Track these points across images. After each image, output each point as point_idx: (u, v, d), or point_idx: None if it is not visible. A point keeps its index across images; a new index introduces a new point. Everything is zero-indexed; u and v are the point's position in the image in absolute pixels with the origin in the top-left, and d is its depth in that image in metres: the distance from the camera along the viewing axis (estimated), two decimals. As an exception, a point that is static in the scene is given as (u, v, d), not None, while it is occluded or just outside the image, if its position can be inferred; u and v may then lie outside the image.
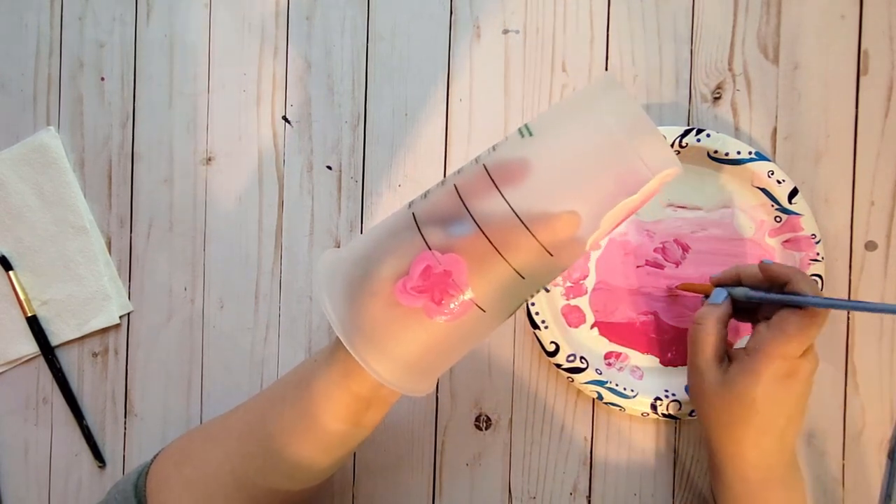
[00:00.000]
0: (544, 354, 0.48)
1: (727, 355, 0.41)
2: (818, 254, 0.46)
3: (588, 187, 0.32)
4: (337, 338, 0.36)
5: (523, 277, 0.32)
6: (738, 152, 0.47)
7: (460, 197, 0.32)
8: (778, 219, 0.47)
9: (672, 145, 0.47)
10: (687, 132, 0.47)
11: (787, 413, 0.39)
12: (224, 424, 0.42)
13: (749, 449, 0.40)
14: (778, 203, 0.47)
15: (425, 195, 0.34)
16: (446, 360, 0.35)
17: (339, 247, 0.52)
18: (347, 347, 0.32)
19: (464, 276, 0.31)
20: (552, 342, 0.47)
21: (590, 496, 0.50)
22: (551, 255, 0.32)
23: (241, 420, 0.41)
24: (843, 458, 0.48)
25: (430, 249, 0.32)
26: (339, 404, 0.36)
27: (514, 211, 0.31)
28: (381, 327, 0.32)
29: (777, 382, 0.38)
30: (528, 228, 0.31)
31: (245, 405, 0.42)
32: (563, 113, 0.33)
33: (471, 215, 0.32)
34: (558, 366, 0.48)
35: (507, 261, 0.32)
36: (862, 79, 0.48)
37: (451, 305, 0.32)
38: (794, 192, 0.46)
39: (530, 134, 0.33)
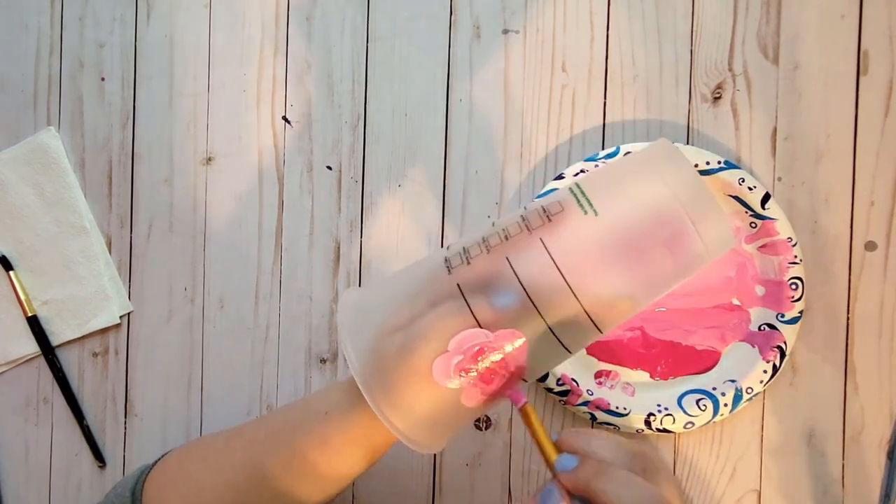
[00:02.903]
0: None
1: None
2: (796, 256, 0.46)
3: (645, 267, 0.31)
4: (353, 387, 0.35)
5: (568, 350, 0.32)
6: (707, 163, 0.46)
7: (513, 269, 0.30)
8: (753, 225, 0.47)
9: None
10: None
11: None
12: (225, 452, 0.40)
13: None
14: (751, 209, 0.47)
15: (467, 259, 0.32)
16: (468, 420, 0.34)
17: (338, 245, 0.52)
18: (380, 418, 0.31)
19: (523, 358, 0.30)
20: None
21: (589, 496, 0.50)
22: (601, 331, 0.31)
23: (243, 453, 0.39)
24: (843, 458, 0.48)
25: (485, 333, 0.30)
26: (351, 460, 0.36)
27: (570, 287, 0.30)
28: (415, 400, 0.31)
29: None
30: (584, 309, 0.30)
31: (249, 433, 0.41)
32: (623, 184, 0.32)
33: (526, 293, 0.30)
34: (549, 390, 0.48)
35: (558, 338, 0.31)
36: (862, 79, 0.48)
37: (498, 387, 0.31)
38: (766, 198, 0.46)
39: (591, 207, 0.31)
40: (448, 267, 0.32)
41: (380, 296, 0.34)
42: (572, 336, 0.31)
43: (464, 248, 0.32)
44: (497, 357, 0.30)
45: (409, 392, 0.31)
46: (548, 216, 0.31)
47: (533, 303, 0.30)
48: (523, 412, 0.31)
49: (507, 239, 0.31)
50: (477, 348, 0.30)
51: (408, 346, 0.31)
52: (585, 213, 0.31)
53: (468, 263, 0.31)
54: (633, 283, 0.31)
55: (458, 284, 0.31)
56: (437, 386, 0.31)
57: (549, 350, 0.31)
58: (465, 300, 0.31)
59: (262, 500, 0.38)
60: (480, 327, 0.30)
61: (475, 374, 0.30)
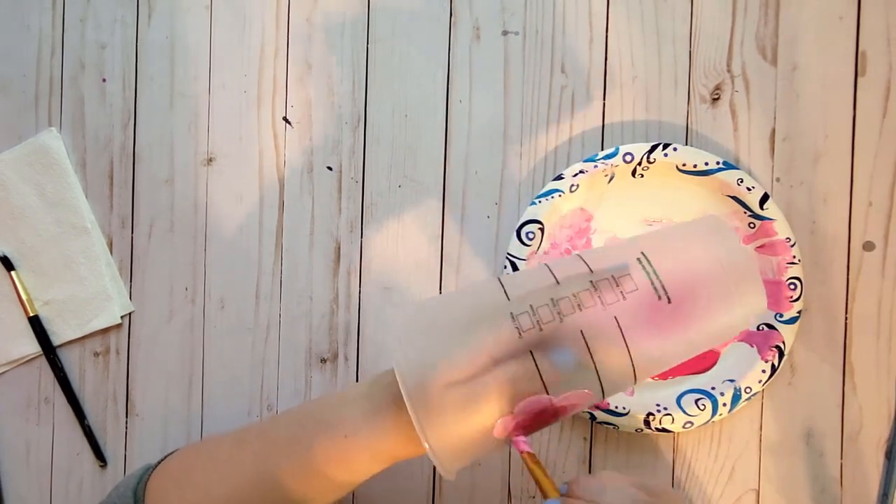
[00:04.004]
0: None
1: None
2: (794, 256, 0.47)
3: (695, 345, 0.34)
4: (374, 408, 0.35)
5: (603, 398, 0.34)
6: (706, 163, 0.47)
7: (588, 347, 0.32)
8: (752, 225, 0.48)
9: (640, 162, 0.47)
10: (654, 147, 0.47)
11: None
12: (232, 459, 0.40)
13: None
14: (750, 210, 0.47)
15: (539, 325, 0.32)
16: (489, 453, 0.36)
17: (338, 245, 0.52)
18: (430, 455, 0.32)
19: (571, 413, 0.33)
20: None
21: (589, 495, 0.50)
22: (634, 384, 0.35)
23: (252, 463, 0.39)
24: (842, 458, 0.48)
25: (550, 399, 0.32)
26: (370, 472, 0.37)
27: (633, 367, 0.32)
28: (461, 438, 0.32)
29: None
30: (635, 377, 0.33)
31: (257, 442, 0.40)
32: (689, 268, 0.34)
33: (595, 368, 0.32)
34: None
35: (603, 395, 0.33)
36: (860, 80, 0.48)
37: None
38: (764, 198, 0.46)
39: (665, 293, 0.33)
40: (518, 328, 0.32)
41: (437, 331, 0.34)
42: (613, 391, 0.34)
43: (532, 308, 0.33)
44: (552, 415, 0.32)
45: (462, 435, 0.32)
46: (622, 293, 0.33)
47: (599, 377, 0.32)
48: (527, 458, 0.33)
49: (580, 308, 0.32)
50: (538, 410, 0.32)
51: (473, 405, 0.31)
52: (659, 298, 0.33)
53: (540, 330, 0.32)
54: (680, 354, 0.34)
55: (531, 352, 0.32)
56: (487, 432, 0.32)
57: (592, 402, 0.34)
58: (538, 370, 0.32)
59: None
60: (547, 392, 0.32)
61: (528, 428, 0.32)
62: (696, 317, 0.33)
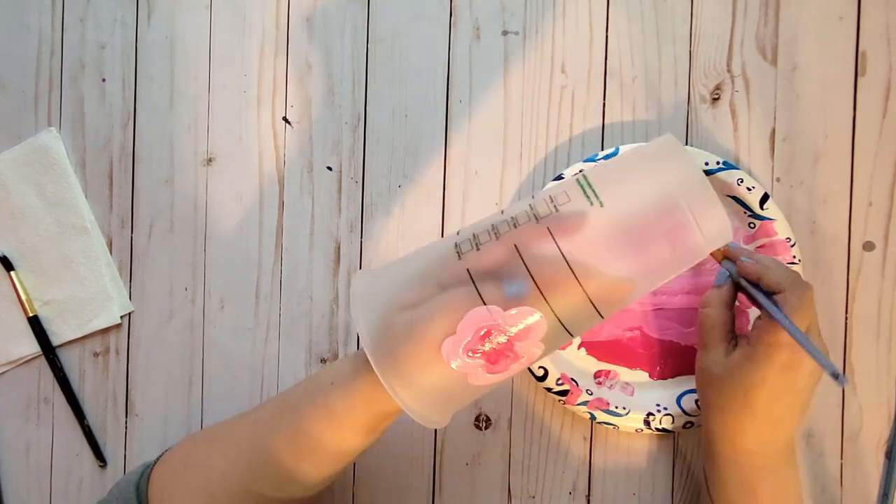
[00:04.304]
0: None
1: (735, 339, 0.41)
2: (794, 256, 0.47)
3: (646, 256, 0.33)
4: (359, 359, 0.36)
5: (571, 334, 0.33)
6: (706, 163, 0.47)
7: (521, 258, 0.32)
8: (752, 225, 0.48)
9: None
10: None
11: (785, 404, 0.39)
12: (231, 432, 0.41)
13: (744, 434, 0.40)
14: (750, 210, 0.47)
15: (477, 245, 0.33)
16: (475, 396, 0.35)
17: (338, 246, 0.52)
18: (385, 386, 0.32)
19: (530, 340, 0.31)
20: (540, 367, 0.47)
21: (589, 496, 0.50)
22: (602, 316, 0.33)
23: (249, 430, 0.40)
24: (842, 458, 0.48)
25: (491, 313, 0.31)
26: (353, 429, 0.36)
27: (576, 277, 0.31)
28: (421, 374, 0.32)
29: (777, 374, 0.38)
30: (588, 297, 0.32)
31: (254, 413, 0.41)
32: (628, 177, 0.34)
33: (534, 281, 0.31)
34: (548, 389, 0.48)
35: (563, 325, 0.32)
36: (860, 80, 0.48)
37: (508, 368, 0.32)
38: (764, 198, 0.46)
39: (597, 198, 0.32)
40: (458, 252, 0.33)
41: (391, 274, 0.35)
42: (575, 321, 0.33)
43: (474, 235, 0.33)
44: (503, 339, 0.31)
45: (416, 366, 0.32)
46: (555, 206, 0.33)
47: (540, 291, 0.31)
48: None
49: (515, 227, 0.33)
50: (484, 331, 0.31)
51: (417, 326, 0.32)
52: (591, 203, 0.32)
53: (477, 249, 0.32)
54: (634, 271, 0.32)
55: (467, 270, 0.32)
56: (444, 364, 0.31)
57: (552, 335, 0.32)
58: (475, 285, 0.31)
59: (267, 478, 0.38)
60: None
61: (481, 354, 0.31)
62: (641, 228, 0.32)
